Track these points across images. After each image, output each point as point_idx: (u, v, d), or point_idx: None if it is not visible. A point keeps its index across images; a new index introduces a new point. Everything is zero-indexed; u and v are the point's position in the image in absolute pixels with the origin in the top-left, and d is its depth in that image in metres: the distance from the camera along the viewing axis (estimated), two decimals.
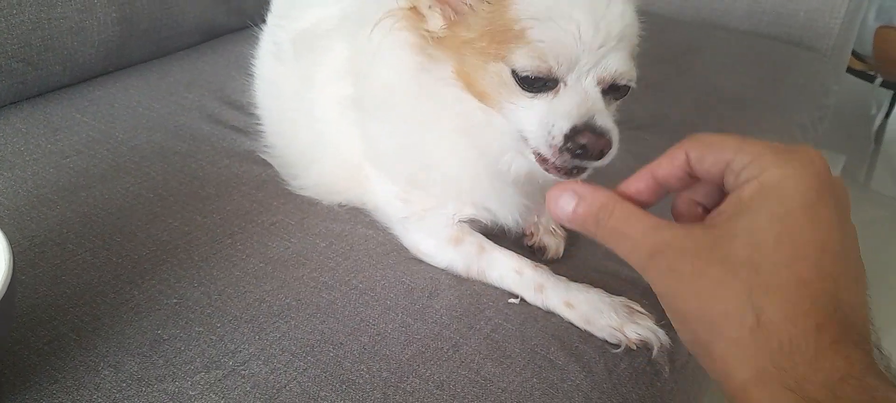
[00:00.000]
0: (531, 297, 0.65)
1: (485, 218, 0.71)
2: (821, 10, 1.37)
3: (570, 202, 0.45)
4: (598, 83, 0.58)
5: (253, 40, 0.93)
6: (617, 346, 0.62)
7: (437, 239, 0.70)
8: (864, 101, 2.52)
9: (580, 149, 0.57)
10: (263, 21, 0.93)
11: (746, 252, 0.37)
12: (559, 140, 0.57)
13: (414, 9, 0.60)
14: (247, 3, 1.15)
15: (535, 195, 0.68)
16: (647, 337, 0.61)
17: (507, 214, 0.70)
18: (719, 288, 0.37)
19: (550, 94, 0.58)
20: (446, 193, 0.69)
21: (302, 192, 0.77)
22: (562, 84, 0.58)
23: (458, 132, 0.64)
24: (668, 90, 1.15)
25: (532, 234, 0.73)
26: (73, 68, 0.96)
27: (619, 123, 0.60)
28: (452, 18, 0.60)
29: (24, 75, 0.90)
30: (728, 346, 0.36)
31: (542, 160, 0.60)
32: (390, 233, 0.73)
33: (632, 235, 0.42)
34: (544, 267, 0.66)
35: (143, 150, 0.83)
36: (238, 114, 0.91)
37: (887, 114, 2.42)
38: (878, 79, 2.41)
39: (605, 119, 0.58)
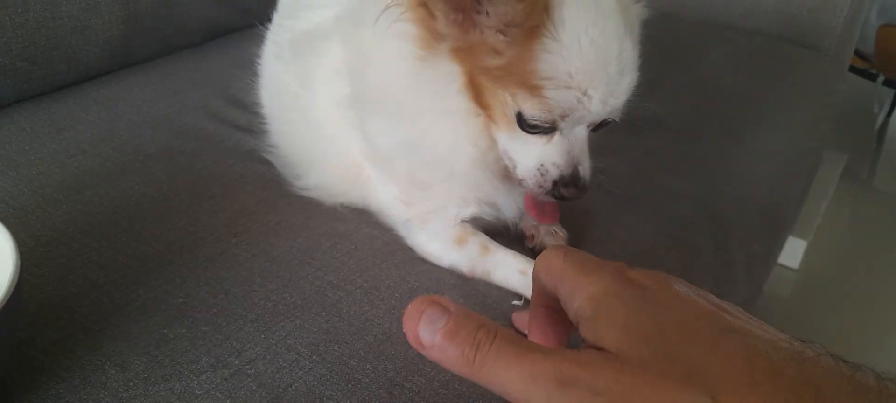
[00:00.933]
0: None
1: (487, 214, 0.71)
2: (823, 9, 1.37)
3: (438, 320, 0.36)
4: (590, 128, 0.62)
5: (258, 39, 0.93)
6: None
7: (441, 240, 0.70)
8: (867, 100, 2.52)
9: (560, 195, 0.62)
10: (269, 20, 0.93)
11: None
12: (548, 185, 0.62)
13: (423, 4, 0.59)
14: (251, 2, 1.15)
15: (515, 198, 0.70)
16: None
17: (511, 205, 0.70)
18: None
19: (545, 138, 0.61)
20: (448, 190, 0.69)
21: (304, 193, 0.78)
22: (558, 132, 0.61)
23: (455, 129, 0.64)
24: (669, 89, 1.15)
25: (533, 236, 0.73)
26: (78, 67, 0.97)
27: (622, 125, 0.64)
28: (465, 33, 0.59)
29: (28, 74, 0.91)
30: None
31: (520, 181, 0.64)
32: (395, 234, 0.73)
33: (527, 366, 0.33)
34: None
35: (148, 149, 0.83)
36: (243, 114, 0.92)
37: (889, 113, 2.42)
38: (881, 78, 2.41)
39: (587, 167, 0.63)
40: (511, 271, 0.67)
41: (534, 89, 0.57)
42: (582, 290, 0.36)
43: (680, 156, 0.97)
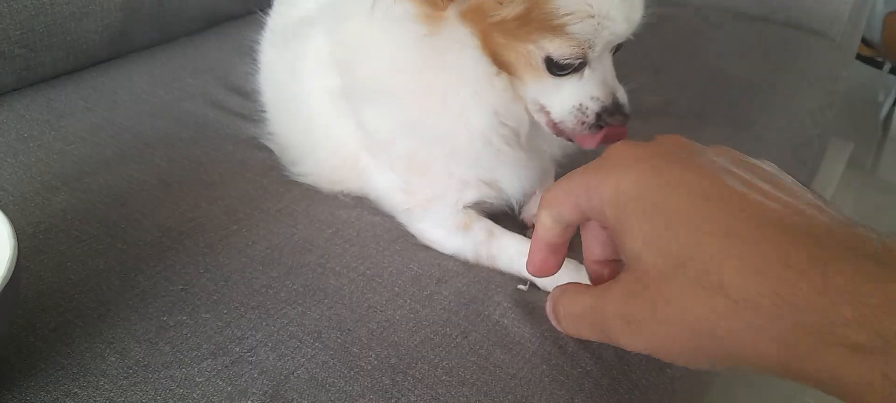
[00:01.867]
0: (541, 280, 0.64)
1: (489, 197, 0.70)
2: None
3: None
4: (613, 52, 0.62)
5: (257, 26, 0.92)
6: None
7: (445, 227, 0.69)
8: (872, 88, 2.51)
9: (606, 125, 0.61)
10: (269, 6, 0.92)
11: (657, 264, 0.35)
12: (592, 119, 0.61)
13: None
14: None
15: (541, 160, 0.71)
16: None
17: (513, 181, 0.69)
18: (681, 305, 0.35)
19: (576, 76, 0.61)
20: (448, 172, 0.68)
21: (302, 179, 0.77)
22: (588, 67, 0.61)
23: (473, 95, 0.63)
24: (675, 76, 1.14)
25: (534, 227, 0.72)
26: (77, 54, 0.96)
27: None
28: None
29: (26, 61, 0.90)
30: (742, 342, 0.33)
31: (556, 128, 0.64)
32: (396, 220, 0.73)
33: (587, 318, 0.42)
34: None
35: (148, 137, 0.82)
36: (243, 101, 0.91)
37: (895, 102, 2.41)
38: (887, 66, 2.39)
39: (623, 92, 0.63)
40: (516, 254, 0.66)
41: (556, 29, 0.57)
42: (600, 195, 0.39)
43: None
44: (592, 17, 0.57)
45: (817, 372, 0.31)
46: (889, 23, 2.18)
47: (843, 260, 0.31)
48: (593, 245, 0.45)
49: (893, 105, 2.41)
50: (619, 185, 0.37)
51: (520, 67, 0.61)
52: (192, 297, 0.60)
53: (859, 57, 2.13)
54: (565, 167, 0.75)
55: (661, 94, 1.08)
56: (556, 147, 0.72)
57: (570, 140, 0.65)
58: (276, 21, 0.87)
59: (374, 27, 0.64)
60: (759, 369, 0.33)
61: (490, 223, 0.69)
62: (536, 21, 0.57)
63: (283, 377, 0.53)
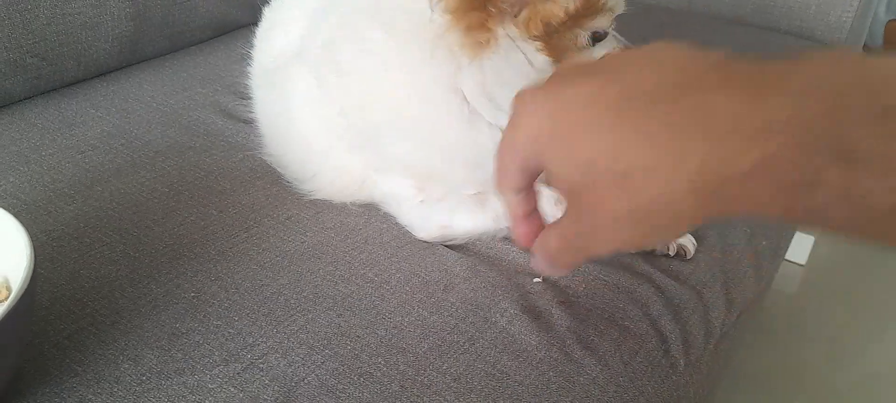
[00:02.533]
0: (554, 213, 0.67)
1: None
2: (833, 4, 1.37)
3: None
4: None
5: (245, 60, 0.93)
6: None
7: (463, 209, 0.72)
8: None
9: None
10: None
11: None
12: None
13: (478, 8, 0.63)
14: None
15: None
16: (683, 243, 0.73)
17: None
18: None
19: (600, 44, 0.68)
20: (467, 179, 0.71)
21: (310, 196, 0.78)
22: (609, 31, 0.69)
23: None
24: None
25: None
26: (88, 63, 0.97)
27: None
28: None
29: (38, 70, 0.91)
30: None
31: None
32: (403, 226, 0.74)
33: (557, 243, 0.43)
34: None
35: (158, 145, 0.83)
36: (252, 109, 0.92)
37: None
38: None
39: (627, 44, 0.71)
40: None
41: (601, 9, 0.65)
42: (520, 151, 0.42)
43: None
44: None
45: (730, 204, 0.33)
46: (891, 29, 2.18)
47: (708, 106, 0.34)
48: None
49: None
50: (526, 127, 0.40)
51: (566, 51, 0.66)
52: (203, 305, 0.61)
53: None
54: None
55: None
56: None
57: None
58: (259, 59, 0.89)
59: (390, 73, 0.68)
60: (693, 218, 0.35)
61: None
62: (592, 7, 0.64)
63: (293, 383, 0.54)
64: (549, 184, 0.42)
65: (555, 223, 0.43)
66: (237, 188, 0.77)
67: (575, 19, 0.64)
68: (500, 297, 0.64)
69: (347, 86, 0.71)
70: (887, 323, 1.69)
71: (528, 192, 0.45)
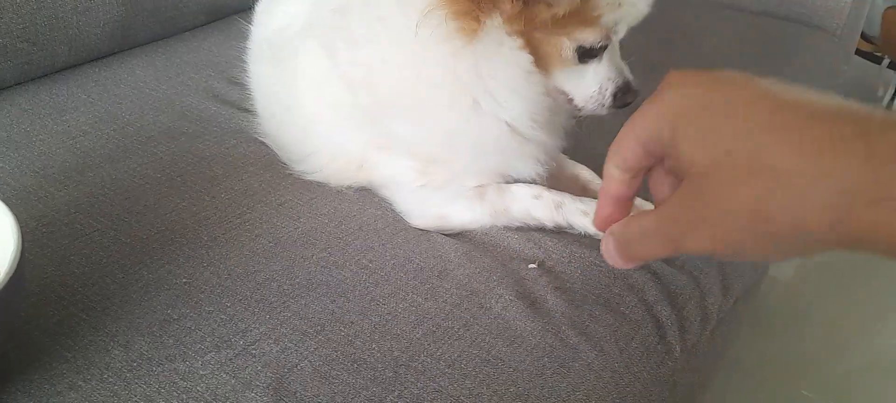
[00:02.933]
0: (552, 216, 0.70)
1: (504, 179, 0.73)
2: None
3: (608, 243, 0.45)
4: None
5: (242, 34, 0.92)
6: None
7: (462, 199, 0.71)
8: (870, 83, 2.51)
9: (620, 104, 0.68)
10: None
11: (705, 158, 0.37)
12: (609, 100, 0.68)
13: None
14: None
15: (554, 140, 0.74)
16: None
17: (527, 170, 0.72)
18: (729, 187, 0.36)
19: (595, 61, 0.66)
20: (470, 165, 0.72)
21: (305, 177, 0.77)
22: (606, 51, 0.66)
23: (510, 92, 0.67)
24: (673, 70, 1.14)
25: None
26: (79, 48, 0.96)
27: (628, 109, 0.67)
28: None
29: (29, 55, 0.90)
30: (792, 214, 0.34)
31: (574, 108, 0.70)
32: (398, 213, 0.73)
33: (652, 227, 0.42)
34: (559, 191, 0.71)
35: (150, 131, 0.83)
36: (245, 95, 0.91)
37: (893, 97, 2.41)
38: (885, 61, 2.39)
39: (628, 70, 0.69)
40: (526, 198, 0.70)
41: (591, 20, 0.62)
42: (658, 121, 0.39)
43: None
44: (622, 5, 0.62)
45: (868, 232, 0.32)
46: (888, 17, 2.18)
47: (882, 132, 0.32)
48: (662, 189, 0.45)
49: (892, 100, 2.41)
50: (670, 103, 0.39)
51: (552, 58, 0.65)
52: (195, 291, 0.60)
53: (858, 52, 2.13)
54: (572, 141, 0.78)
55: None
56: (567, 122, 0.76)
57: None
58: (258, 33, 0.88)
59: (399, 48, 0.67)
60: (813, 242, 0.34)
61: (498, 183, 0.72)
62: (578, 15, 0.61)
63: (286, 369, 0.54)
64: (669, 167, 0.40)
65: (657, 209, 0.41)
66: (230, 174, 0.76)
67: (560, 24, 0.62)
68: (496, 283, 0.64)
69: (356, 59, 0.71)
70: (885, 312, 1.69)
71: (634, 178, 0.44)
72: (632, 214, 0.44)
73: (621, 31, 0.65)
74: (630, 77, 0.68)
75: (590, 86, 0.67)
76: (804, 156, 0.33)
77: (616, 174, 0.44)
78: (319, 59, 0.74)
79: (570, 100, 0.69)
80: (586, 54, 0.65)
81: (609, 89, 0.67)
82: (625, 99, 0.68)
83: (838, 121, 0.33)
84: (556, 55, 0.65)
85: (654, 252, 0.44)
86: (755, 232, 0.35)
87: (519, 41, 0.64)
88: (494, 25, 0.63)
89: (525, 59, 0.65)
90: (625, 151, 0.42)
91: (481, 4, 0.62)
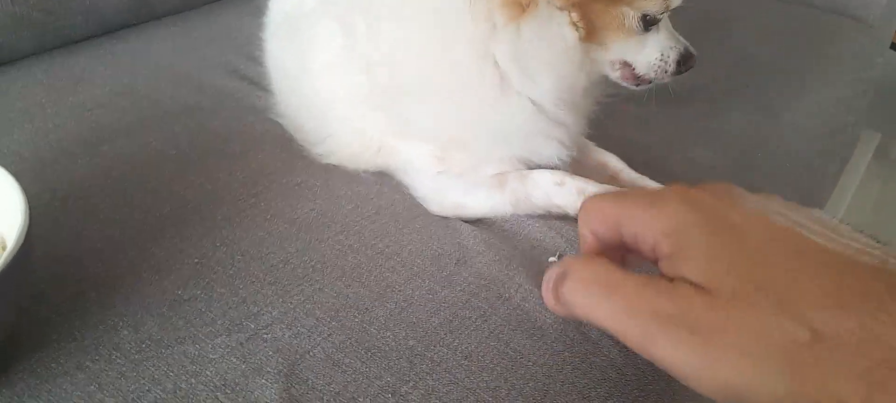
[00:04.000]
0: (575, 204, 0.67)
1: (526, 165, 0.71)
2: None
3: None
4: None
5: (259, 10, 0.90)
6: None
7: (482, 187, 0.69)
8: None
9: (683, 69, 0.69)
10: None
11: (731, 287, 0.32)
12: (672, 67, 0.69)
13: None
14: None
15: (578, 124, 0.73)
16: None
17: (548, 155, 0.71)
18: (751, 333, 0.32)
19: (654, 30, 0.67)
20: (491, 151, 0.70)
21: (322, 160, 0.75)
22: (662, 21, 0.67)
23: (548, 70, 0.66)
24: (704, 60, 1.10)
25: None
26: (95, 19, 0.95)
27: (656, 97, 0.71)
28: None
29: (45, 25, 0.89)
30: (816, 375, 0.30)
31: (636, 80, 0.70)
32: (415, 198, 0.71)
33: (620, 301, 0.35)
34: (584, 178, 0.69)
35: (167, 105, 0.81)
36: (263, 72, 0.89)
37: None
38: None
39: (682, 38, 0.70)
40: (548, 185, 0.68)
41: None
42: (652, 227, 0.36)
43: (713, 129, 0.93)
44: None
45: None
46: None
47: None
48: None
49: None
50: (677, 215, 0.35)
51: (611, 30, 0.65)
52: (207, 271, 0.59)
53: (892, 44, 2.08)
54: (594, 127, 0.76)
55: (690, 78, 1.05)
56: (591, 107, 0.75)
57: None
58: (276, 7, 0.86)
59: (426, 27, 0.66)
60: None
61: (519, 169, 0.70)
62: None
63: (298, 355, 0.52)
64: (675, 270, 0.34)
65: (636, 275, 0.36)
66: (246, 152, 0.74)
67: None
68: (515, 272, 0.62)
69: (377, 38, 0.69)
70: None
71: (606, 246, 0.40)
72: (603, 261, 0.38)
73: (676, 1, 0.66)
74: (687, 43, 0.69)
75: (652, 53, 0.68)
76: (838, 311, 0.30)
77: (587, 236, 0.41)
78: (336, 38, 0.72)
79: (632, 68, 0.69)
80: (648, 22, 0.65)
81: (671, 56, 0.68)
82: (688, 64, 0.69)
83: (867, 273, 0.31)
84: (616, 26, 0.65)
85: (598, 314, 0.37)
86: (763, 374, 0.31)
87: (569, 16, 0.63)
88: (546, 1, 0.62)
89: (571, 34, 0.64)
90: (599, 224, 0.40)
91: None
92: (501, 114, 0.67)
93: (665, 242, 0.35)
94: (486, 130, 0.69)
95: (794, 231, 0.33)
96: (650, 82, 0.70)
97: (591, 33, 0.65)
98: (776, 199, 0.37)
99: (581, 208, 0.41)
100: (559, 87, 0.67)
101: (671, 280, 0.34)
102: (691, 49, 0.69)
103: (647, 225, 0.36)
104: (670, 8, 0.66)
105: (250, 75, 0.89)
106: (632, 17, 0.64)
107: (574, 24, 0.64)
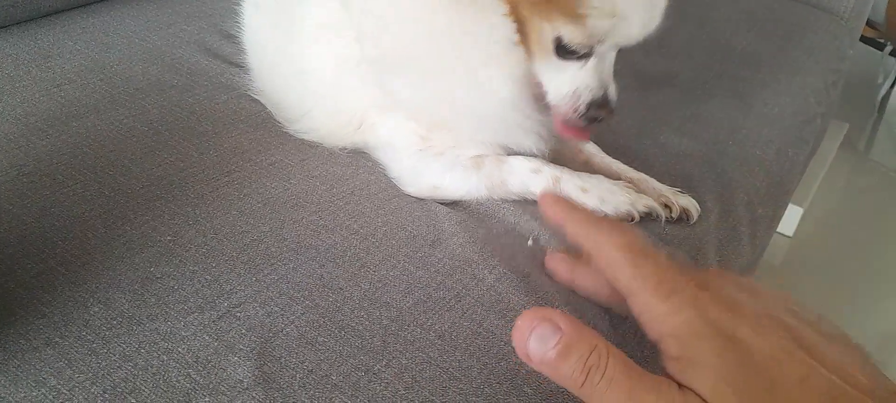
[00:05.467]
0: (549, 191, 0.67)
1: (505, 151, 0.71)
2: None
3: (549, 338, 0.37)
4: (618, 50, 0.63)
5: None
6: (631, 219, 0.67)
7: (460, 168, 0.69)
8: (872, 69, 2.49)
9: (594, 116, 0.63)
10: None
11: None
12: (582, 109, 0.63)
13: None
14: None
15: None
16: (651, 208, 0.68)
17: (530, 144, 0.70)
18: None
19: (579, 64, 0.62)
20: (470, 133, 0.70)
21: (301, 136, 0.75)
22: (592, 57, 0.62)
23: (496, 62, 0.64)
24: (680, 47, 1.12)
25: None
26: None
27: (630, 81, 0.68)
28: None
29: None
30: None
31: (555, 111, 0.65)
32: (391, 179, 0.71)
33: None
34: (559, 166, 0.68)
35: (138, 82, 0.80)
36: (238, 49, 0.88)
37: (893, 84, 2.40)
38: (888, 48, 2.38)
39: (614, 89, 0.64)
40: (524, 172, 0.68)
41: (577, 18, 0.57)
42: (663, 323, 0.37)
43: (687, 115, 0.94)
44: (613, 16, 0.58)
45: None
46: (893, 2, 2.15)
47: None
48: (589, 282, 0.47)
49: (891, 87, 2.40)
50: (690, 324, 0.36)
51: (533, 42, 0.62)
52: (179, 249, 0.58)
53: (860, 37, 2.11)
54: None
55: (665, 65, 1.06)
56: None
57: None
58: None
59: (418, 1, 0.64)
60: None
61: (496, 154, 0.70)
62: (563, 4, 0.57)
63: (271, 334, 0.52)
64: (683, 376, 0.36)
65: (629, 365, 0.37)
66: (219, 130, 0.74)
67: (546, 7, 0.59)
68: (489, 253, 0.62)
69: (370, 8, 0.67)
70: (873, 298, 1.70)
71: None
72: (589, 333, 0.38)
73: (608, 48, 0.61)
74: (612, 96, 0.64)
75: (565, 85, 0.63)
76: None
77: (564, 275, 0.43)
78: (332, 5, 0.71)
79: (546, 94, 0.65)
80: (565, 51, 0.61)
81: (584, 97, 0.63)
82: (597, 113, 0.63)
83: None
84: (537, 39, 0.61)
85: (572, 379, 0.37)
86: None
87: (505, 7, 0.61)
88: None
89: (508, 28, 0.61)
90: (605, 262, 0.41)
91: None
92: (477, 99, 0.66)
93: (673, 344, 0.37)
94: (466, 113, 0.68)
95: (798, 355, 0.35)
96: (589, 125, 0.65)
97: (522, 38, 0.62)
98: (786, 300, 0.40)
99: (597, 234, 0.42)
100: (510, 87, 0.65)
101: (680, 386, 0.36)
102: (612, 99, 0.64)
103: (658, 320, 0.38)
104: (594, 51, 0.61)
105: (224, 53, 0.88)
106: (548, 35, 0.60)
107: (507, 15, 0.61)
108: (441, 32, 0.63)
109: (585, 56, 0.61)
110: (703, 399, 0.35)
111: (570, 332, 0.37)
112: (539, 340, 0.37)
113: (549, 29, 0.60)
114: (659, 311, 0.38)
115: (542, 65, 0.63)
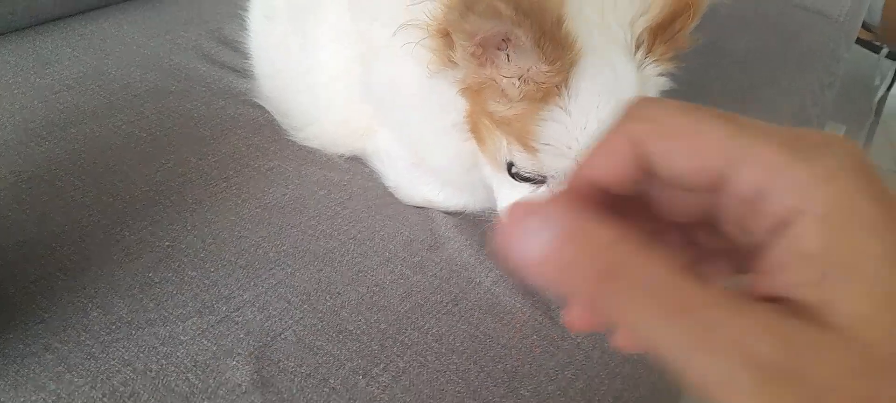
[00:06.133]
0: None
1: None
2: None
3: (540, 232, 0.22)
4: None
5: None
6: None
7: (452, 187, 0.69)
8: (868, 72, 2.50)
9: None
10: None
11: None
12: None
13: (445, 34, 0.54)
14: None
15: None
16: None
17: (484, 201, 0.68)
18: None
19: (532, 186, 0.58)
20: (451, 178, 0.68)
21: (305, 143, 0.75)
22: (545, 186, 0.58)
23: (444, 136, 0.61)
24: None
25: None
26: (65, 0, 0.93)
27: None
28: (480, 67, 0.54)
29: (13, 4, 0.87)
30: None
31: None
32: (388, 187, 0.71)
33: (707, 331, 0.19)
34: None
35: (137, 88, 0.80)
36: (236, 55, 0.88)
37: (890, 86, 2.40)
38: (885, 50, 2.38)
39: None
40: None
41: (530, 148, 0.54)
42: (799, 196, 0.21)
43: None
44: (566, 157, 0.54)
45: None
46: (889, 5, 2.16)
47: None
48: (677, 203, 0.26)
49: (888, 90, 2.40)
50: (848, 195, 0.21)
51: (489, 150, 0.58)
52: (178, 254, 0.58)
53: (857, 40, 2.12)
54: None
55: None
56: None
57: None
58: None
59: (393, 49, 0.59)
60: None
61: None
62: (518, 130, 0.54)
63: (269, 338, 0.52)
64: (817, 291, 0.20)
65: (732, 293, 0.20)
66: (217, 136, 0.74)
67: (506, 126, 0.55)
68: (485, 257, 0.63)
69: (372, 33, 0.64)
70: None
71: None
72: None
73: (558, 182, 0.57)
74: None
75: (510, 199, 0.60)
76: None
77: (623, 154, 0.24)
78: (342, 20, 0.70)
79: (495, 200, 0.63)
80: (517, 175, 0.58)
81: None
82: None
83: None
84: (493, 151, 0.58)
85: (667, 350, 0.20)
86: None
87: (464, 110, 0.58)
88: (454, 80, 0.56)
89: (461, 121, 0.58)
90: (659, 145, 0.23)
91: (455, 50, 0.54)
92: (437, 151, 0.64)
93: (813, 232, 0.21)
94: (444, 159, 0.65)
95: None
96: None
97: (476, 134, 0.59)
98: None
99: (632, 109, 0.24)
100: (455, 165, 0.63)
101: (778, 302, 0.21)
102: None
103: (790, 193, 0.21)
104: (545, 183, 0.58)
105: (222, 59, 0.88)
106: (502, 151, 0.57)
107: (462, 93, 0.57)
108: (416, 92, 0.60)
109: (539, 182, 0.58)
110: (841, 333, 0.20)
111: (568, 220, 0.22)
112: (537, 231, 0.22)
113: (505, 147, 0.57)
114: (794, 179, 0.21)
115: (495, 175, 0.61)
